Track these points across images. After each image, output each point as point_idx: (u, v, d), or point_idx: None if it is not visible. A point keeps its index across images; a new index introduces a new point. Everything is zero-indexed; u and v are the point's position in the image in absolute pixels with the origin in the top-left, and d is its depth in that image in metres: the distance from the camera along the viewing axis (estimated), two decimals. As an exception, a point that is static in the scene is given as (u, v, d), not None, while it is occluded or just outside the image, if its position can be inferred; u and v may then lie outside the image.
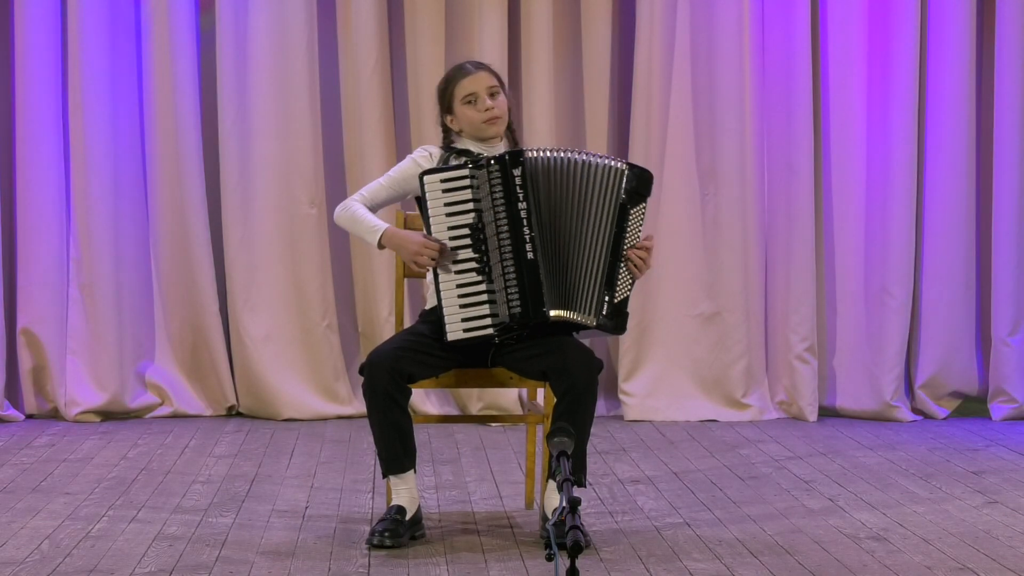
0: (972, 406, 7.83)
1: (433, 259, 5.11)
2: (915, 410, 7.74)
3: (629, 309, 5.19)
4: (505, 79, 7.58)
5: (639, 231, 5.20)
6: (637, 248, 5.19)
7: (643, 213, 5.21)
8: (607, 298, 5.14)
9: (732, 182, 7.69)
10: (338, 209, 5.32)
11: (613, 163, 5.17)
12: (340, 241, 7.82)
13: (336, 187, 7.70)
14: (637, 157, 7.64)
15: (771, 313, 7.78)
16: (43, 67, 7.52)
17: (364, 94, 7.64)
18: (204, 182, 7.69)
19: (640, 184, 5.19)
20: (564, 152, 5.18)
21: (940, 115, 7.67)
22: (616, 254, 5.15)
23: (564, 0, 7.77)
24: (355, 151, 7.71)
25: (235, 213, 7.67)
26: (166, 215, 7.70)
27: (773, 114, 7.70)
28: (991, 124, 7.71)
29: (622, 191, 5.16)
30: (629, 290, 5.20)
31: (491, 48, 7.57)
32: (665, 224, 7.71)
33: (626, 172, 5.17)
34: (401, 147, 7.63)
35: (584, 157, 5.17)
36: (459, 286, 5.12)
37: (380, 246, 5.21)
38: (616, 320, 5.17)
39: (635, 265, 5.18)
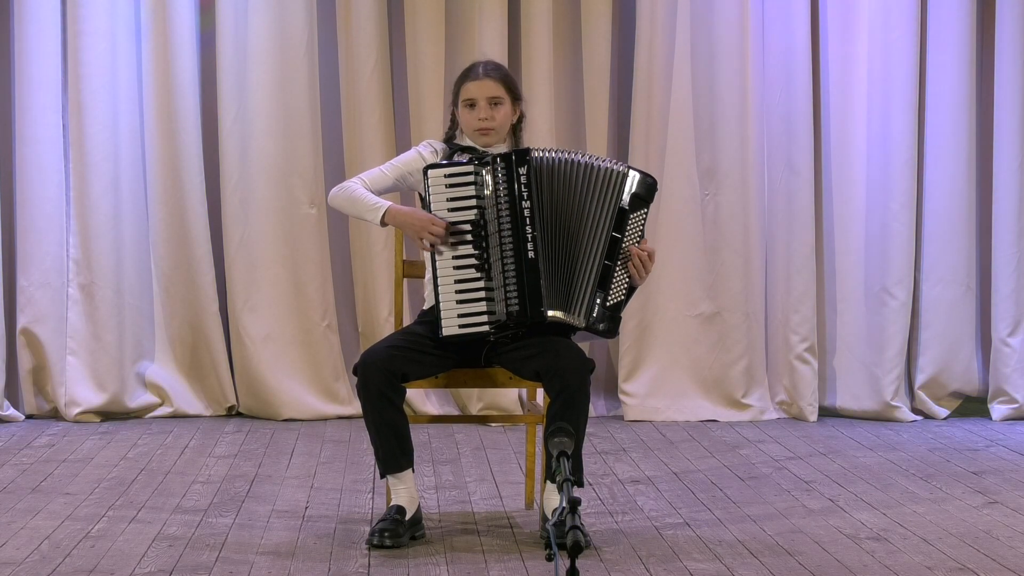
0: (972, 406, 7.84)
1: (438, 236, 5.10)
2: (915, 410, 7.74)
3: (629, 311, 5.18)
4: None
5: (638, 236, 5.19)
6: (637, 252, 5.17)
7: (643, 219, 5.20)
8: (598, 301, 5.13)
9: (732, 182, 7.69)
10: (335, 190, 5.28)
11: (616, 166, 5.17)
12: (340, 241, 7.82)
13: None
14: (637, 157, 7.64)
15: (771, 313, 7.78)
16: (43, 67, 7.52)
17: (364, 94, 7.64)
18: (204, 182, 7.69)
19: (642, 189, 5.17)
20: (569, 153, 5.17)
21: (940, 115, 7.67)
22: (611, 257, 5.13)
23: (564, 0, 7.77)
24: (355, 151, 7.71)
25: (235, 213, 7.67)
26: (166, 215, 7.70)
27: (773, 114, 7.70)
28: (991, 124, 7.71)
29: (623, 195, 5.15)
30: (624, 295, 5.18)
31: (491, 48, 7.57)
32: (665, 224, 7.71)
33: (628, 176, 5.16)
34: (401, 147, 7.62)
35: (588, 159, 5.17)
36: (457, 282, 5.12)
37: (383, 224, 5.19)
38: (607, 324, 5.15)
39: (635, 269, 5.17)
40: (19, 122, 7.56)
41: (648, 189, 5.18)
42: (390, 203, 5.20)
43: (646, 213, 5.20)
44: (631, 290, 5.21)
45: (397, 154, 7.43)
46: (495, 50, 7.56)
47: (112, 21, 7.57)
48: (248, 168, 7.66)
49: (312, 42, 7.66)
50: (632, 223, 5.16)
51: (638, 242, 5.19)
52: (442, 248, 5.10)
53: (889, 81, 7.60)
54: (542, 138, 7.58)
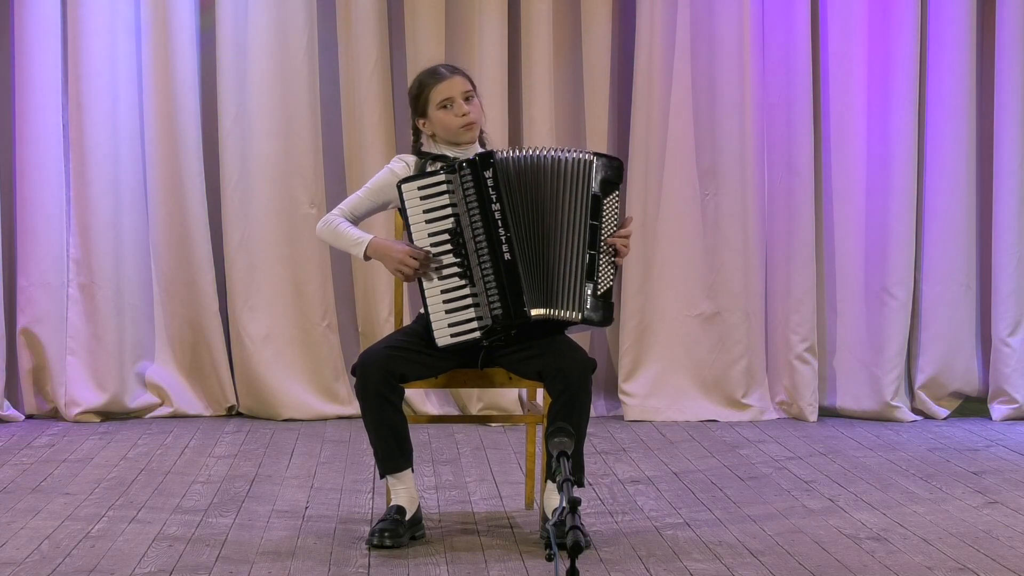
0: (972, 406, 7.83)
1: (416, 269, 5.11)
2: (915, 410, 7.74)
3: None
4: (505, 79, 7.63)
5: (615, 219, 5.20)
6: (618, 235, 5.18)
7: (617, 201, 5.21)
8: (589, 291, 5.14)
9: (732, 182, 7.69)
10: (319, 224, 5.32)
11: (581, 155, 5.18)
12: (340, 241, 7.81)
13: (336, 187, 7.70)
14: (637, 157, 7.64)
15: (771, 313, 7.78)
16: (43, 67, 7.52)
17: (364, 94, 7.64)
18: (204, 182, 7.69)
19: (611, 172, 5.18)
20: (533, 150, 5.18)
21: (940, 115, 7.67)
22: (594, 246, 5.15)
23: (564, 0, 7.77)
24: (355, 151, 7.71)
25: (235, 213, 7.67)
26: (166, 215, 7.70)
27: (773, 114, 7.70)
28: (991, 124, 7.71)
29: (592, 182, 5.16)
30: (612, 280, 5.19)
31: (491, 48, 7.57)
32: (665, 224, 7.71)
33: (595, 163, 5.17)
34: (401, 147, 7.62)
35: (553, 153, 5.18)
36: (443, 291, 5.13)
37: (366, 258, 5.22)
38: (601, 312, 5.16)
39: (616, 251, 5.18)
40: (19, 122, 7.56)
41: (616, 171, 5.19)
42: (372, 237, 5.22)
43: (618, 195, 5.21)
44: (615, 273, 5.22)
45: (398, 154, 7.48)
46: (495, 50, 7.57)
47: (112, 21, 7.57)
48: (248, 168, 7.66)
49: (312, 42, 7.66)
50: (607, 208, 5.17)
51: (616, 225, 5.19)
52: (422, 280, 5.12)
53: (889, 81, 7.60)
54: (542, 138, 7.58)
